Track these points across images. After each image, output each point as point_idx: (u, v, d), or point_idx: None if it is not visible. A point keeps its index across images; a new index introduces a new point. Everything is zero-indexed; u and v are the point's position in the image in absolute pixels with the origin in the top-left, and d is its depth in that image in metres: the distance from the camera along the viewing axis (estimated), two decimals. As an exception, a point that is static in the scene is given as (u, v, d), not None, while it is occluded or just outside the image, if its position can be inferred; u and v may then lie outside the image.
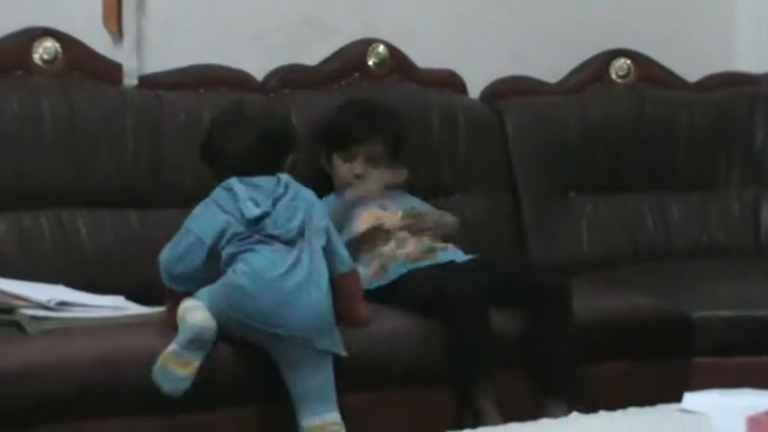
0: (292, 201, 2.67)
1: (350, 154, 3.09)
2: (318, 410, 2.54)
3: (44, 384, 2.41)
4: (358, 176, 3.08)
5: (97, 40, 3.18)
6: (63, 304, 2.63)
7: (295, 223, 2.64)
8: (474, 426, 2.58)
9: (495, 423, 2.63)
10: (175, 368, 2.46)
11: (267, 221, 2.62)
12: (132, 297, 2.82)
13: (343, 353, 2.58)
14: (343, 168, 3.10)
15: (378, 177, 3.10)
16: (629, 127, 3.65)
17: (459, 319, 2.74)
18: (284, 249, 2.60)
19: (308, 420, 2.54)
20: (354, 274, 2.75)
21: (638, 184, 3.65)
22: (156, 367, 2.47)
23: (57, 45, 3.10)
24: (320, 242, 2.65)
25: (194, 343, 2.47)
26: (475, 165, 3.45)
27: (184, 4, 3.33)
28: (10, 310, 2.58)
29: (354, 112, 3.16)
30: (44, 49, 3.09)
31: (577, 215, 3.56)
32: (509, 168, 3.52)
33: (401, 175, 3.15)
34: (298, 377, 2.55)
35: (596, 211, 3.58)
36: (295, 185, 2.72)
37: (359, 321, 2.72)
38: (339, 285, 2.68)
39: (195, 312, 2.52)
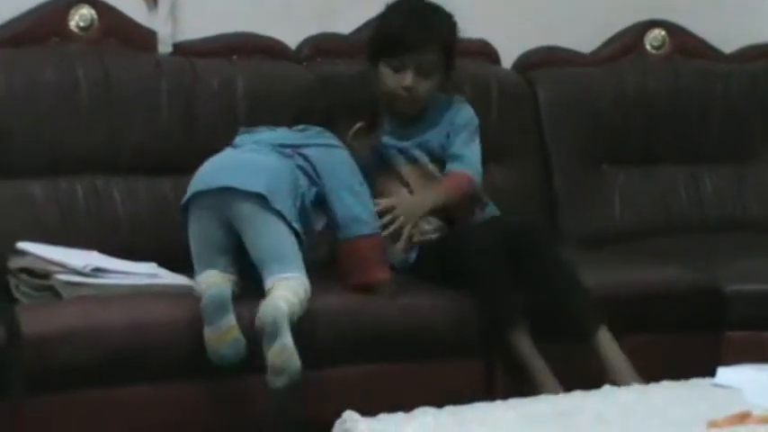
0: (286, 131, 2.76)
1: (401, 63, 2.88)
2: (281, 270, 2.52)
3: (77, 349, 2.43)
4: (407, 89, 2.89)
5: (132, 7, 3.19)
6: (98, 270, 2.65)
7: (262, 136, 2.72)
8: (517, 380, 2.57)
9: (539, 365, 2.62)
10: (220, 344, 2.46)
11: (237, 138, 2.77)
12: (165, 264, 2.83)
13: (295, 225, 2.57)
14: (390, 79, 2.90)
15: (427, 90, 2.91)
16: (664, 98, 3.63)
17: (482, 275, 2.71)
18: (246, 148, 2.71)
19: (270, 280, 2.52)
20: (374, 237, 2.71)
21: (671, 156, 3.63)
22: (209, 354, 2.47)
23: (92, 12, 3.11)
24: (294, 160, 2.67)
25: (216, 310, 2.46)
26: (507, 135, 3.44)
27: (219, -28, 3.33)
28: (46, 275, 2.60)
29: (408, 15, 2.92)
30: (80, 17, 3.10)
31: (610, 186, 3.55)
32: (541, 139, 3.51)
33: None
34: (261, 240, 2.56)
35: (629, 183, 3.57)
36: (315, 134, 2.75)
37: (375, 285, 2.70)
38: (356, 247, 2.68)
39: (203, 284, 2.55)
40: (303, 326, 2.51)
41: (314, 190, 2.69)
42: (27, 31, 3.06)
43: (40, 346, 2.40)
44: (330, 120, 2.79)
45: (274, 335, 2.41)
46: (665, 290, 2.97)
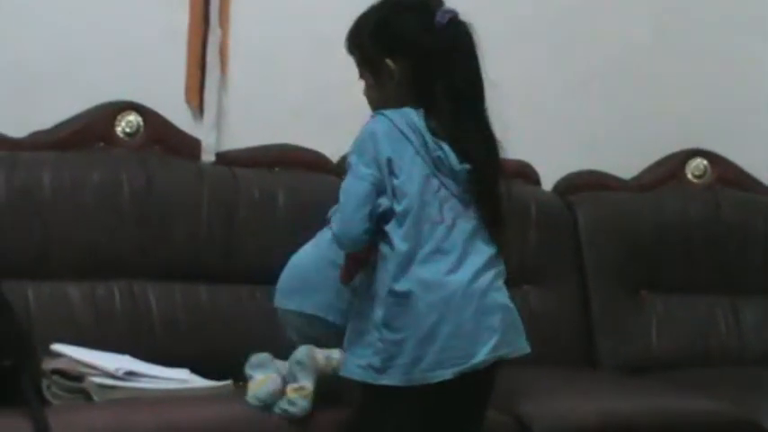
0: None
1: None
2: None
3: (109, 454, 2.41)
4: None
5: (179, 115, 3.24)
6: (130, 374, 2.64)
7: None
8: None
9: None
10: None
11: None
12: (197, 371, 2.81)
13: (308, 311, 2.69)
14: None
15: (366, 93, 2.63)
16: (704, 227, 3.62)
17: None
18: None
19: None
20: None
21: (711, 286, 3.61)
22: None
23: (139, 119, 3.16)
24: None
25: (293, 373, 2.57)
26: (545, 257, 3.43)
27: (264, 83, 3.36)
28: (79, 377, 2.59)
29: None
30: (126, 123, 3.15)
31: (648, 314, 3.52)
32: (580, 262, 3.50)
33: None
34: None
35: (667, 311, 3.54)
36: None
37: None
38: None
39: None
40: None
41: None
42: (74, 135, 3.10)
43: (71, 450, 2.38)
44: None
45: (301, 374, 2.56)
46: (703, 422, 2.90)
